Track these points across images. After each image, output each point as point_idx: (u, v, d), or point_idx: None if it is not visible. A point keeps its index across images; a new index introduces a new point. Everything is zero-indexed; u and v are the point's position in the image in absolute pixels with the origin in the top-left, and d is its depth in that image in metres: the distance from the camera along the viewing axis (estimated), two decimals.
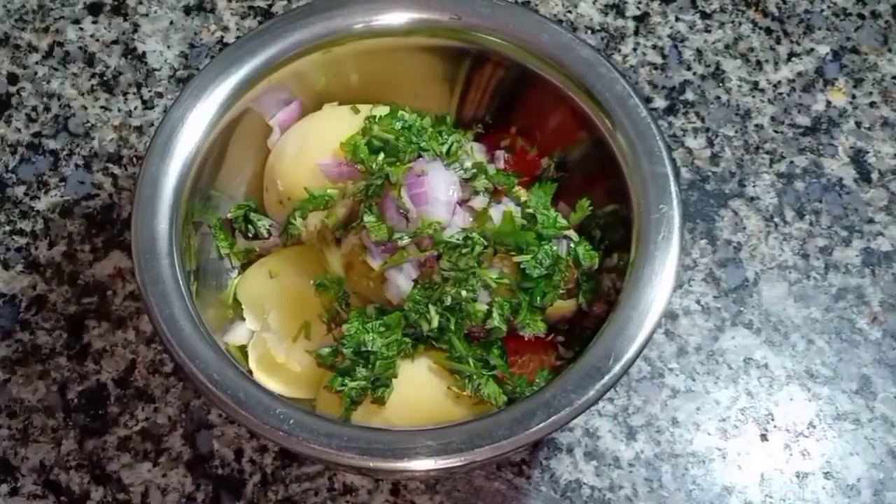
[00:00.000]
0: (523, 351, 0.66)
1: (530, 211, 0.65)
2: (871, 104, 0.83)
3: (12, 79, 0.84)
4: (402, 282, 0.63)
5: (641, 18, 0.86)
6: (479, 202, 0.65)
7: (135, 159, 0.81)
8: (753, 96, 0.83)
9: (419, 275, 0.64)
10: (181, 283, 0.62)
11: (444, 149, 0.67)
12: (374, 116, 0.69)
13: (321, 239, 0.67)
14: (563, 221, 0.66)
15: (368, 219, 0.64)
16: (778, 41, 0.85)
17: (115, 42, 0.85)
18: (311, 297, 0.66)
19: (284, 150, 0.70)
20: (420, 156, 0.66)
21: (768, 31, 0.85)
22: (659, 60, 0.84)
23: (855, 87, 0.83)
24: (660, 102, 0.83)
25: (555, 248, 0.65)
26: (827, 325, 0.76)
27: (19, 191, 0.80)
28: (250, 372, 0.67)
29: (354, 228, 0.65)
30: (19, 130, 0.82)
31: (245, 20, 0.86)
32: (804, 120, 0.82)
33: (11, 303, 0.76)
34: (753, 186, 0.80)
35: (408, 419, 0.63)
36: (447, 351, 0.64)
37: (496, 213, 0.65)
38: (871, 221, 0.79)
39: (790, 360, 0.75)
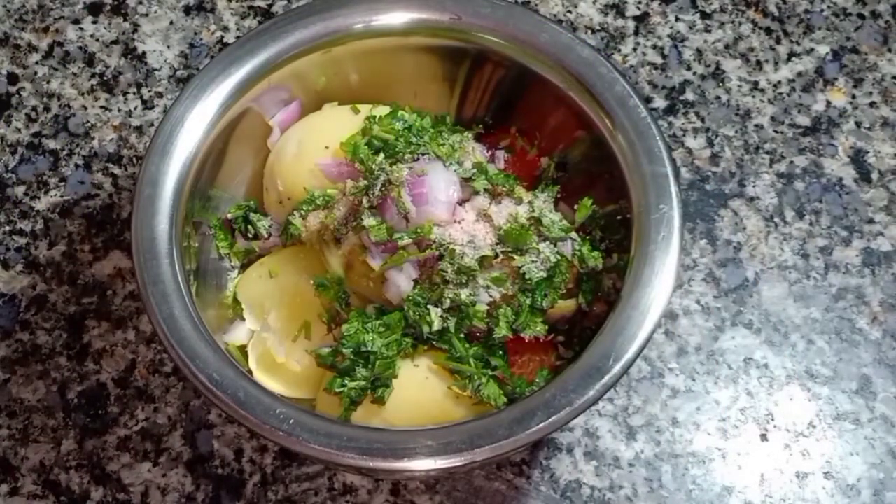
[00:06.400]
0: (523, 351, 0.66)
1: (535, 214, 0.65)
2: (871, 104, 0.83)
3: (12, 79, 0.84)
4: (402, 282, 0.63)
5: (641, 18, 0.86)
6: (479, 202, 0.65)
7: (135, 159, 0.81)
8: (753, 96, 0.83)
9: (419, 275, 0.64)
10: (181, 283, 0.62)
11: (444, 149, 0.67)
12: (374, 116, 0.69)
13: (321, 239, 0.67)
14: (565, 223, 0.66)
15: (368, 219, 0.64)
16: (778, 41, 0.85)
17: (115, 42, 0.85)
18: (311, 297, 0.66)
19: (284, 150, 0.70)
20: (420, 156, 0.66)
21: (768, 31, 0.85)
22: (659, 60, 0.84)
23: (855, 87, 0.83)
24: (660, 102, 0.83)
25: (557, 249, 0.65)
26: (827, 325, 0.76)
27: (19, 191, 0.80)
28: (250, 372, 0.67)
29: (354, 228, 0.65)
30: (19, 130, 0.82)
31: (245, 20, 0.86)
32: (804, 120, 0.82)
33: (11, 303, 0.76)
34: (753, 186, 0.80)
35: (408, 419, 0.63)
36: (447, 351, 0.64)
37: (499, 214, 0.65)
38: (871, 221, 0.79)
39: (790, 360, 0.75)
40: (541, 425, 0.59)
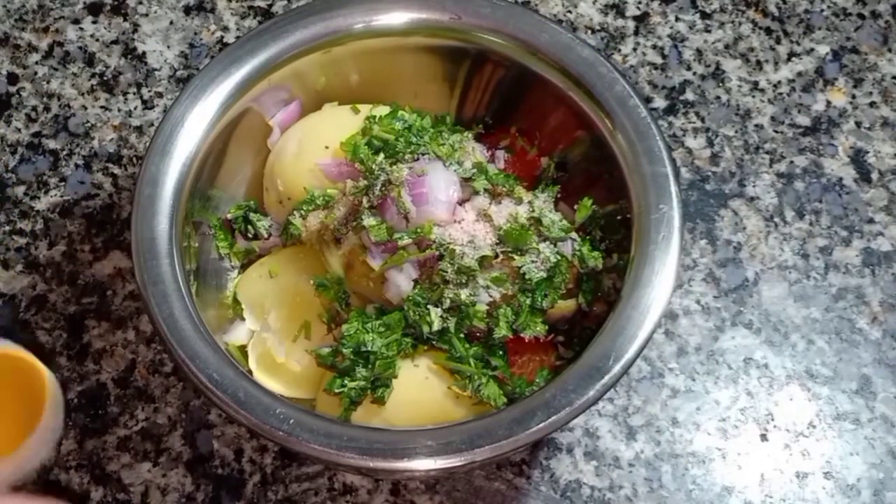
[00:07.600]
0: (523, 351, 0.66)
1: (535, 214, 0.65)
2: (871, 104, 0.83)
3: (12, 79, 0.84)
4: (402, 282, 0.63)
5: (641, 18, 0.86)
6: (479, 202, 0.65)
7: (135, 159, 0.81)
8: (753, 96, 0.83)
9: (419, 275, 0.64)
10: (181, 283, 0.62)
11: (444, 149, 0.67)
12: (374, 116, 0.69)
13: (321, 239, 0.67)
14: (565, 223, 0.66)
15: (368, 219, 0.64)
16: (778, 41, 0.85)
17: (115, 42, 0.85)
18: (311, 297, 0.66)
19: (284, 150, 0.70)
20: (420, 156, 0.66)
21: (768, 31, 0.85)
22: (659, 60, 0.84)
23: (855, 87, 0.83)
24: (660, 102, 0.83)
25: (557, 249, 0.65)
26: (827, 325, 0.76)
27: (19, 191, 0.80)
28: (250, 372, 0.67)
29: (354, 228, 0.65)
30: (19, 130, 0.82)
31: (245, 20, 0.86)
32: (804, 120, 0.82)
33: (11, 303, 0.76)
34: (753, 186, 0.80)
35: (408, 419, 0.63)
36: (447, 351, 0.64)
37: (499, 214, 0.65)
38: (871, 221, 0.79)
39: (790, 360, 0.75)
40: (541, 425, 0.59)
